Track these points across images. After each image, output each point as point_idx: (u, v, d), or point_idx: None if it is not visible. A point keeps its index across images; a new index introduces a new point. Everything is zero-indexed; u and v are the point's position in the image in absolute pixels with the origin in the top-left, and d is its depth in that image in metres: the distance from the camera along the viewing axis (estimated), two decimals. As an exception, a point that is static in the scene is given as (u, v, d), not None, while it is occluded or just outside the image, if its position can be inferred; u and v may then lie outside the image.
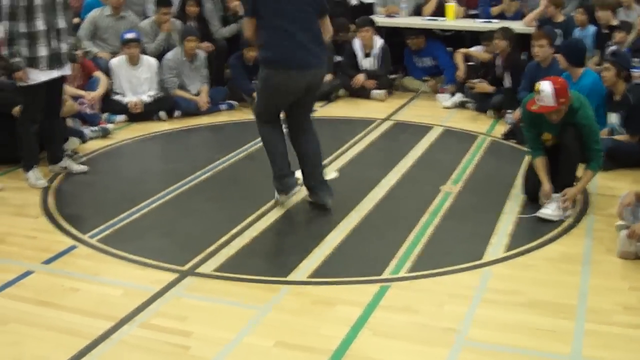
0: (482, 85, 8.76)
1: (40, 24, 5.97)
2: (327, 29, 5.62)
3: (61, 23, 6.14)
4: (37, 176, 6.30)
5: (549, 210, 5.50)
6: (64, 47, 6.20)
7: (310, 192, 5.84)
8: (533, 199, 5.77)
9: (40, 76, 6.08)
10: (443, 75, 9.83)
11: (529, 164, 5.94)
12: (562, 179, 5.60)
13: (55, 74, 6.20)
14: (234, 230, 5.29)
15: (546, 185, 5.61)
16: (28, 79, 6.02)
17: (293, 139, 5.85)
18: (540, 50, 7.61)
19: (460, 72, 9.23)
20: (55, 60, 6.13)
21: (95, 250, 5.06)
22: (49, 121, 6.40)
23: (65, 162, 6.60)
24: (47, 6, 5.99)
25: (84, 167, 6.69)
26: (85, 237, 5.25)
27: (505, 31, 8.57)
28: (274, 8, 5.38)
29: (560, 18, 9.02)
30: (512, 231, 5.32)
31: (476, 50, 9.31)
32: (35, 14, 5.94)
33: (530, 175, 5.86)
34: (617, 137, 6.75)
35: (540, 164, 5.71)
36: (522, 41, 8.71)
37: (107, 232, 5.35)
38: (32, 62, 6.00)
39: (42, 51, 6.03)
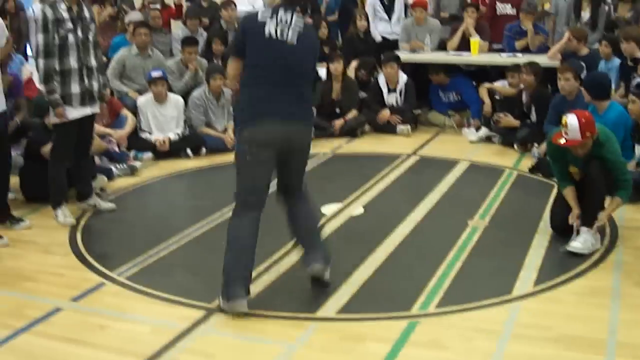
0: (508, 120, 8.75)
1: (73, 62, 6.07)
2: (315, 96, 5.08)
3: (93, 61, 6.24)
4: (65, 214, 6.35)
5: (579, 244, 5.45)
6: (95, 85, 6.28)
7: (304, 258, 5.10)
8: (560, 233, 5.73)
9: (73, 113, 6.16)
10: (468, 110, 9.85)
11: (555, 198, 5.91)
12: (589, 213, 5.55)
13: (87, 111, 6.28)
14: (261, 267, 5.29)
15: (576, 209, 5.58)
16: (66, 116, 6.10)
17: (288, 213, 5.13)
18: (567, 83, 7.61)
19: (487, 107, 9.22)
20: (87, 98, 6.21)
21: (123, 287, 5.08)
22: (79, 159, 6.46)
23: (94, 200, 6.65)
24: (79, 44, 6.09)
25: (111, 205, 6.73)
26: (113, 274, 5.27)
27: (533, 66, 8.58)
28: (268, 55, 4.63)
29: (585, 51, 9.01)
30: (540, 265, 5.27)
31: (501, 85, 9.31)
32: (69, 51, 6.04)
33: (557, 209, 5.83)
34: (644, 169, 6.72)
35: (570, 192, 5.69)
36: (546, 75, 8.71)
37: (135, 269, 5.36)
38: (65, 99, 6.09)
39: (75, 88, 6.12)
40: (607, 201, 5.62)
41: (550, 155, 5.89)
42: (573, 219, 5.57)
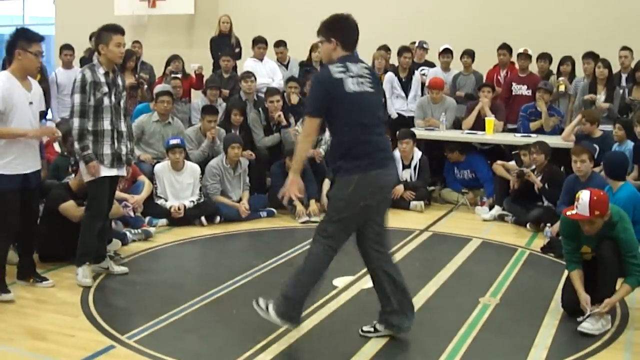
0: (533, 177, 8.78)
1: (106, 124, 6.25)
2: None
3: (123, 126, 6.42)
4: (85, 274, 6.40)
5: (589, 325, 5.44)
6: (124, 149, 6.43)
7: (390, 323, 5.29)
8: (571, 313, 5.72)
9: (104, 171, 6.30)
10: (482, 188, 9.92)
11: (567, 278, 5.92)
12: (600, 293, 5.54)
13: (115, 172, 6.40)
14: (271, 337, 5.28)
15: (582, 294, 5.58)
16: (99, 172, 6.24)
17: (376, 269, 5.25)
18: (583, 165, 7.69)
19: (512, 179, 9.12)
20: (115, 160, 6.35)
21: (133, 351, 5.07)
22: None
23: (107, 263, 6.69)
24: (112, 108, 6.27)
25: (124, 269, 6.77)
26: (124, 337, 5.27)
27: (542, 145, 8.69)
28: (356, 108, 4.92)
29: (598, 133, 9.10)
30: (550, 344, 5.26)
31: (513, 164, 9.38)
32: (103, 114, 6.22)
33: (569, 289, 5.83)
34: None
35: (576, 275, 5.70)
36: (561, 156, 8.79)
37: (145, 333, 5.37)
38: (97, 158, 6.24)
39: (107, 149, 6.28)
40: (619, 283, 5.62)
41: (563, 234, 5.92)
42: (584, 305, 5.55)
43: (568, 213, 5.58)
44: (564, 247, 5.88)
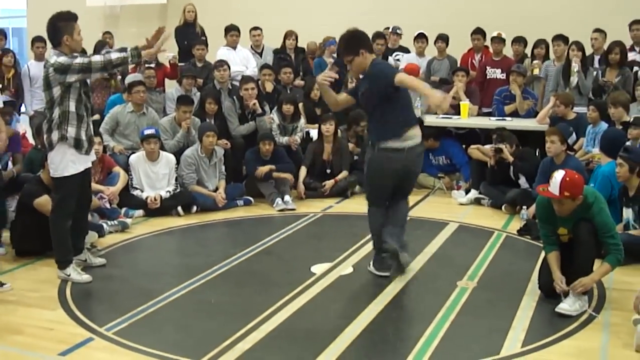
0: (507, 152, 8.86)
1: (82, 110, 6.16)
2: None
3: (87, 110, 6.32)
4: (78, 271, 6.34)
5: (567, 305, 5.48)
6: (90, 132, 6.35)
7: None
8: (548, 295, 5.75)
9: (80, 164, 6.20)
10: (457, 172, 9.96)
11: (544, 260, 5.95)
12: (578, 275, 5.58)
13: (89, 159, 6.34)
14: (250, 325, 5.28)
15: (557, 274, 5.62)
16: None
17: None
18: (552, 146, 7.78)
19: (490, 159, 9.15)
20: (89, 145, 6.26)
21: (112, 343, 5.05)
22: (79, 213, 6.46)
23: (85, 255, 6.65)
24: (86, 92, 6.22)
25: (102, 260, 6.74)
26: (102, 329, 5.25)
27: (501, 135, 8.84)
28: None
29: (572, 116, 9.19)
30: (528, 326, 5.29)
31: (490, 147, 9.42)
32: (81, 98, 6.14)
33: (545, 270, 5.86)
34: (632, 232, 6.77)
35: (553, 257, 5.73)
36: (536, 139, 8.84)
37: (124, 325, 5.35)
38: (77, 143, 6.13)
39: (83, 134, 6.17)
40: (597, 264, 5.66)
41: (539, 217, 5.95)
42: (558, 287, 5.59)
43: (541, 188, 5.62)
44: (541, 229, 5.91)
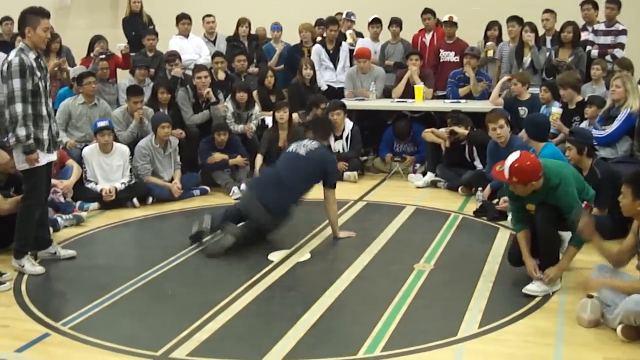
0: (462, 130, 8.90)
1: (43, 108, 6.11)
2: None
3: (51, 109, 6.29)
4: (32, 263, 6.28)
5: (535, 287, 5.51)
6: (54, 132, 6.29)
7: None
8: (517, 264, 5.82)
9: (43, 158, 6.15)
10: (414, 155, 10.00)
11: (514, 237, 5.94)
12: (544, 261, 5.60)
13: (52, 157, 6.31)
14: (207, 315, 5.26)
15: (529, 261, 5.62)
16: (38, 160, 6.09)
17: None
18: (502, 130, 7.81)
19: (445, 141, 9.20)
20: (52, 144, 6.22)
21: (69, 337, 5.00)
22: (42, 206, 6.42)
23: (54, 248, 6.59)
24: (45, 92, 6.14)
25: (72, 252, 6.68)
26: (58, 324, 5.19)
27: (457, 117, 8.93)
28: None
29: (526, 96, 9.26)
30: (485, 307, 5.33)
31: (444, 131, 9.45)
32: (42, 98, 6.09)
33: (516, 248, 5.82)
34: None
35: (523, 239, 5.70)
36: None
37: (80, 319, 5.29)
38: (37, 144, 6.08)
39: (45, 134, 6.13)
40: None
41: (508, 194, 5.93)
42: (531, 272, 5.58)
43: (497, 168, 5.59)
44: (510, 205, 5.89)
